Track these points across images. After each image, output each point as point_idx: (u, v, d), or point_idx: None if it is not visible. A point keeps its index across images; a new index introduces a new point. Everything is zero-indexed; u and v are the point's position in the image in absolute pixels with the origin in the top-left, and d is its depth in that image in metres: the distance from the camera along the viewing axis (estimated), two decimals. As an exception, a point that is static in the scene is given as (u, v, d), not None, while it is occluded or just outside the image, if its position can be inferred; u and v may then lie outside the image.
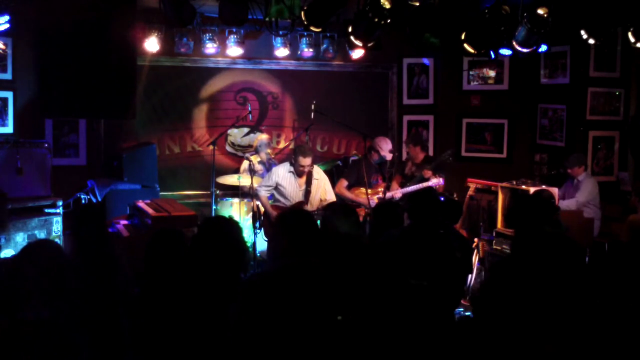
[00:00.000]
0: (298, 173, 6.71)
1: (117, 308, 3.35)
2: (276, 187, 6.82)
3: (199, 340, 2.99)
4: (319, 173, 6.93)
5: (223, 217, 3.62)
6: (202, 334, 2.97)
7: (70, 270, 3.05)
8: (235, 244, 3.23)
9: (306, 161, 6.59)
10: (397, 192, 7.01)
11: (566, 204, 6.85)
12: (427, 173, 7.04)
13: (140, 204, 5.98)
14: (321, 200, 6.85)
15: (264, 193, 6.84)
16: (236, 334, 2.53)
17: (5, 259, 4.03)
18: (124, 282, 3.77)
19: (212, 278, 3.10)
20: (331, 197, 6.92)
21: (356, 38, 6.11)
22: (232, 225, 3.32)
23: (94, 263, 3.74)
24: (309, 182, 6.75)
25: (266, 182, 6.86)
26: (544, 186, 6.70)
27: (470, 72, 8.84)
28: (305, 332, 2.44)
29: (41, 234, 6.24)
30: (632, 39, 6.18)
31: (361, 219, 6.99)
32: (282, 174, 6.78)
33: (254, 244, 6.79)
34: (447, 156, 7.18)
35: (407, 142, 7.69)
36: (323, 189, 6.87)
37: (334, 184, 7.22)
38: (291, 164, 6.74)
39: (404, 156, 8.76)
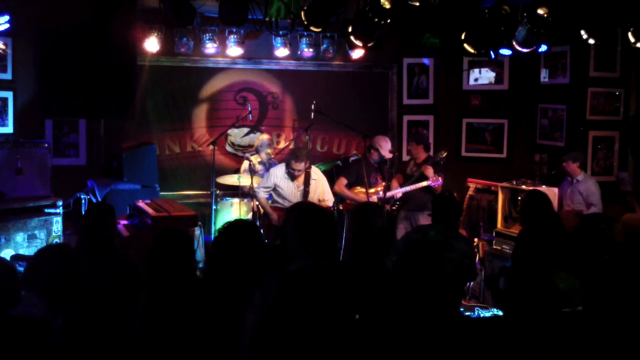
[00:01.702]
0: (290, 175, 6.70)
1: (126, 308, 3.35)
2: (274, 188, 6.82)
3: (213, 345, 2.96)
4: (317, 173, 6.93)
5: (245, 221, 3.58)
6: (219, 338, 2.94)
7: (82, 276, 3.04)
8: (258, 249, 3.19)
9: (298, 165, 6.58)
10: (397, 192, 7.00)
11: (592, 212, 6.81)
12: (427, 169, 6.95)
13: (140, 204, 5.98)
14: (319, 200, 6.84)
15: (262, 194, 6.84)
16: (257, 338, 2.50)
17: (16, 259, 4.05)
18: (137, 281, 3.76)
19: (233, 282, 3.07)
20: (329, 197, 6.92)
21: (356, 38, 6.11)
22: (255, 230, 3.30)
23: (100, 260, 3.75)
24: (307, 183, 6.75)
25: (264, 183, 6.86)
26: (543, 186, 6.71)
27: (470, 72, 8.85)
28: (322, 337, 2.41)
29: (41, 234, 6.24)
30: (632, 39, 6.18)
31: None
32: (280, 175, 6.78)
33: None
34: (440, 157, 7.09)
35: (409, 141, 7.63)
36: (321, 189, 6.86)
37: (333, 184, 7.22)
38: (287, 164, 6.74)
39: (404, 156, 8.76)
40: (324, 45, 8.11)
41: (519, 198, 6.73)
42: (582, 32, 6.01)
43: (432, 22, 6.10)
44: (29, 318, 2.71)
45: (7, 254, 5.82)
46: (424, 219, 6.94)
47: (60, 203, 6.44)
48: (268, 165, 7.54)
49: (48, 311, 2.80)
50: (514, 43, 6.06)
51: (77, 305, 2.89)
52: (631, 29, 6.13)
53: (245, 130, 8.48)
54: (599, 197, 6.95)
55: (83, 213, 5.07)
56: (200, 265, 6.57)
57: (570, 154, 7.18)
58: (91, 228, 4.01)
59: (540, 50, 6.72)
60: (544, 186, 6.79)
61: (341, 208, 7.13)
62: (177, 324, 3.13)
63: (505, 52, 6.85)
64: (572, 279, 3.42)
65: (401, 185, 7.10)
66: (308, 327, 2.36)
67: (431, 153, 7.45)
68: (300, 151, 6.68)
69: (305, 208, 3.15)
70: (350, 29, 6.22)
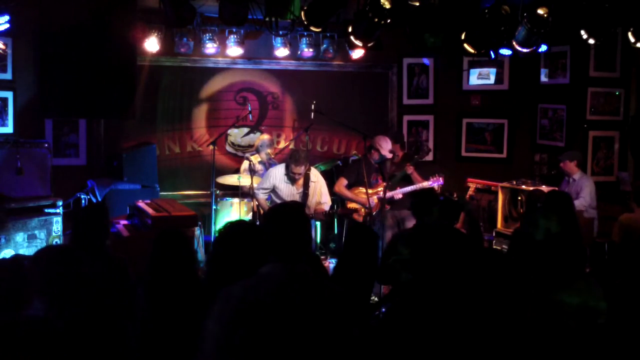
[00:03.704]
0: (290, 179, 6.68)
1: (121, 309, 3.33)
2: (273, 190, 6.79)
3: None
4: (316, 176, 6.89)
5: (245, 222, 3.54)
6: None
7: (81, 276, 3.03)
8: (258, 250, 3.14)
9: (298, 169, 6.54)
10: (397, 193, 6.99)
11: (577, 204, 6.82)
12: (409, 169, 6.94)
13: (140, 204, 5.98)
14: (317, 203, 6.82)
15: (262, 196, 6.82)
16: (219, 348, 2.40)
17: (14, 259, 4.03)
18: (129, 283, 3.75)
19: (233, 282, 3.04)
20: (326, 200, 6.88)
21: (356, 38, 6.11)
22: (255, 230, 3.27)
23: (97, 263, 3.74)
24: (306, 185, 6.72)
25: (263, 184, 6.83)
26: (543, 186, 6.71)
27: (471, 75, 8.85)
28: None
29: (41, 234, 6.24)
30: (632, 39, 6.18)
31: (361, 219, 7.00)
32: (279, 176, 6.75)
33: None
34: (424, 153, 7.02)
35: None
36: (319, 192, 6.83)
37: (334, 183, 7.21)
38: (287, 167, 6.70)
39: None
40: (324, 45, 8.11)
41: (519, 198, 6.74)
42: (582, 32, 6.01)
43: (432, 22, 6.09)
44: (31, 319, 2.71)
45: (7, 254, 5.81)
46: (410, 220, 6.92)
47: (60, 203, 6.44)
48: (268, 165, 7.53)
49: (49, 312, 2.79)
50: (514, 43, 6.06)
51: (77, 307, 2.88)
52: (631, 29, 6.13)
53: (245, 130, 8.49)
54: (589, 193, 6.94)
55: (77, 213, 5.03)
56: (202, 265, 6.60)
57: (566, 153, 7.19)
58: (81, 228, 3.99)
59: (540, 50, 6.72)
60: (544, 186, 6.79)
61: (340, 212, 7.14)
62: (180, 327, 3.12)
63: (505, 52, 6.85)
64: (585, 293, 3.32)
65: (385, 187, 7.06)
66: (274, 334, 2.29)
67: (406, 150, 7.49)
68: (300, 154, 6.62)
69: (272, 209, 2.80)
70: (350, 29, 6.22)
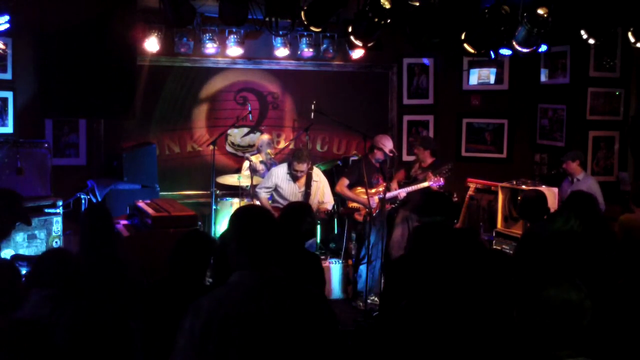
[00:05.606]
0: (292, 177, 6.69)
1: (125, 309, 3.33)
2: (275, 189, 6.80)
3: None
4: (318, 175, 6.90)
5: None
6: None
7: (80, 276, 3.02)
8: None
9: (300, 167, 6.56)
10: (399, 192, 6.99)
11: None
12: (430, 177, 6.93)
13: (140, 204, 5.98)
14: (319, 202, 6.83)
15: (264, 195, 6.82)
16: None
17: (14, 259, 4.03)
18: (133, 283, 3.75)
19: None
20: (329, 199, 6.89)
21: (356, 38, 6.11)
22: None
23: (102, 263, 3.73)
24: (308, 184, 6.73)
25: (265, 183, 6.85)
26: (543, 186, 6.71)
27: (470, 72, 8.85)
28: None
29: (41, 234, 6.24)
30: (632, 39, 6.18)
31: (361, 218, 6.99)
32: (282, 175, 6.76)
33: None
34: (446, 170, 7.02)
35: (416, 144, 7.55)
36: (321, 191, 6.84)
37: (334, 183, 7.21)
38: (289, 165, 6.72)
39: (404, 156, 8.76)
40: (324, 45, 8.11)
41: (519, 198, 6.73)
42: (582, 32, 6.01)
43: (432, 22, 6.09)
44: (32, 320, 2.70)
45: (7, 254, 5.81)
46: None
47: (60, 203, 6.44)
48: (269, 165, 7.54)
49: (53, 312, 2.78)
50: (514, 43, 6.05)
51: (81, 307, 2.87)
52: (631, 29, 6.13)
53: (245, 130, 8.49)
54: (601, 195, 6.94)
55: (82, 217, 4.94)
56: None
57: (569, 154, 7.19)
58: (92, 232, 3.96)
59: (540, 50, 6.71)
60: (544, 186, 6.79)
61: (342, 212, 7.13)
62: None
63: (505, 52, 6.84)
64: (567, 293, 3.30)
65: (400, 185, 7.08)
66: (245, 346, 2.26)
67: (437, 157, 7.43)
68: (302, 152, 6.65)
69: (235, 214, 2.65)
70: (350, 29, 6.22)
